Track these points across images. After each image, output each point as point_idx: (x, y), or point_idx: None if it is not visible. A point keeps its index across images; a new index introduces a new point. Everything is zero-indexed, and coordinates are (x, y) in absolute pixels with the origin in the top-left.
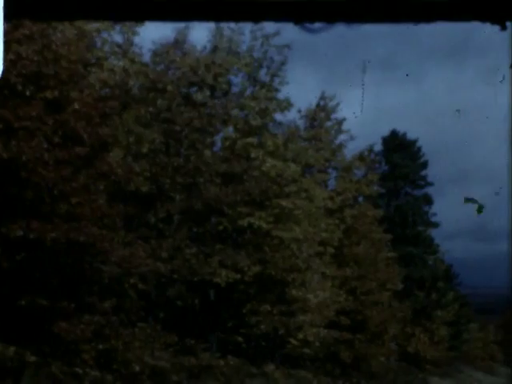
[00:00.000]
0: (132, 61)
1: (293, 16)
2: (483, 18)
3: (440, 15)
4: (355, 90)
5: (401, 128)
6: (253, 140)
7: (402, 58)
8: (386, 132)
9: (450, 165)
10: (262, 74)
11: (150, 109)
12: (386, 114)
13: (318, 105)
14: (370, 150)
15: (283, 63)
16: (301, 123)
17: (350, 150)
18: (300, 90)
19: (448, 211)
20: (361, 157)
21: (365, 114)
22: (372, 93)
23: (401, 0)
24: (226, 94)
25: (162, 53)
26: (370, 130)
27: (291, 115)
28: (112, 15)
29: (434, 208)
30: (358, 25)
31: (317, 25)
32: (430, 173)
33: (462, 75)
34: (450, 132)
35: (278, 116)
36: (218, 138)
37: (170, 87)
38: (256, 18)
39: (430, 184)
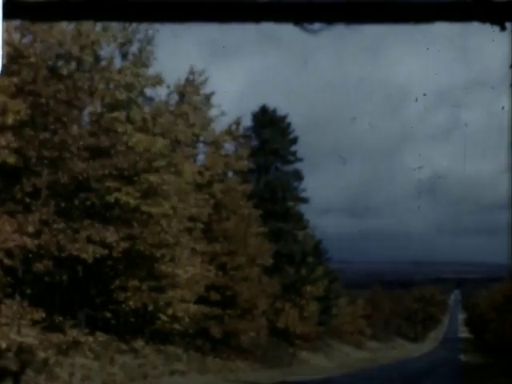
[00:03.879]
0: None
1: (292, 17)
2: (483, 18)
3: (439, 16)
4: (237, 64)
5: (279, 103)
6: (119, 114)
7: (285, 30)
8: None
9: (324, 141)
10: (133, 48)
11: (15, 79)
12: (264, 90)
13: (187, 80)
14: (237, 123)
15: (152, 38)
16: (174, 98)
17: (225, 126)
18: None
19: (322, 187)
20: (229, 131)
21: (244, 89)
22: (251, 67)
23: (400, 1)
24: (93, 67)
25: (28, 23)
26: (249, 105)
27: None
28: (111, 16)
29: (309, 184)
30: (357, 25)
31: (316, 25)
32: (304, 149)
33: (343, 51)
34: (326, 108)
35: (150, 91)
36: (86, 113)
37: (33, 59)
38: (256, 19)
39: (300, 160)
